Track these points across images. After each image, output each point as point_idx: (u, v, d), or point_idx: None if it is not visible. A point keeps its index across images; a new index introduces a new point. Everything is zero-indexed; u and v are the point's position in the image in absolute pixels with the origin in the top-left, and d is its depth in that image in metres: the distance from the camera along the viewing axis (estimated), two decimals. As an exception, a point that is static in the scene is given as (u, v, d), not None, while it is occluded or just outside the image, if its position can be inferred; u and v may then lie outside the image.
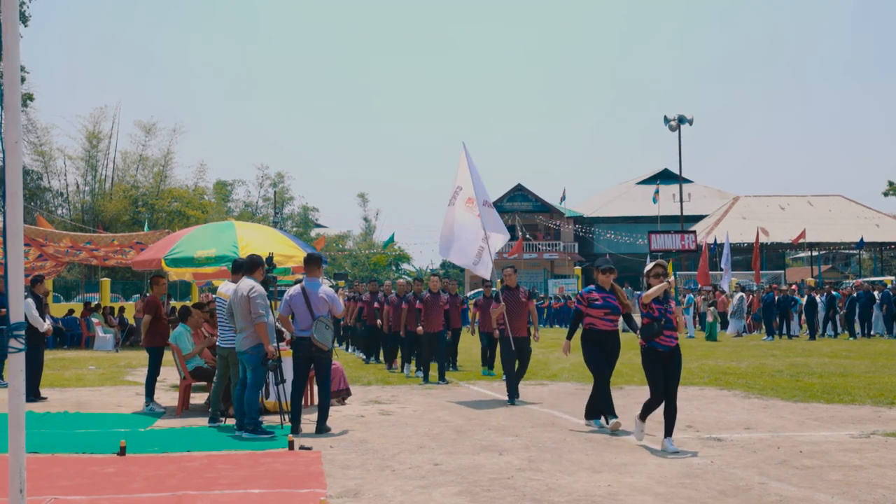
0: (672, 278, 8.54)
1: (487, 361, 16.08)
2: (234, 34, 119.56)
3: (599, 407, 9.50)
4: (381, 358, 18.37)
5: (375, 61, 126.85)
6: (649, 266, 8.51)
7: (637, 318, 8.98)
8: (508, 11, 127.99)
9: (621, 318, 9.98)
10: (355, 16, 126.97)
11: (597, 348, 9.43)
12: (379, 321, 17.45)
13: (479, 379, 15.20)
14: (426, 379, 14.42)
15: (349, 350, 22.49)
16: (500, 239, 12.65)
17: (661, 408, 8.25)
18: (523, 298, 11.96)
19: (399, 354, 16.80)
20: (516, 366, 11.80)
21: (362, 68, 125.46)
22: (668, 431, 8.05)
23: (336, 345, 11.76)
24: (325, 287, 9.49)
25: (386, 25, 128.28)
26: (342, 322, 20.73)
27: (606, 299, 9.44)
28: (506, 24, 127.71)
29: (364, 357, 19.56)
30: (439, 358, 14.68)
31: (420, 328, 14.56)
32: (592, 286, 9.65)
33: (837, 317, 28.72)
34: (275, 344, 9.34)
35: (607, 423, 9.24)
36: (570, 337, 9.78)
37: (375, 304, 17.87)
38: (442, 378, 14.40)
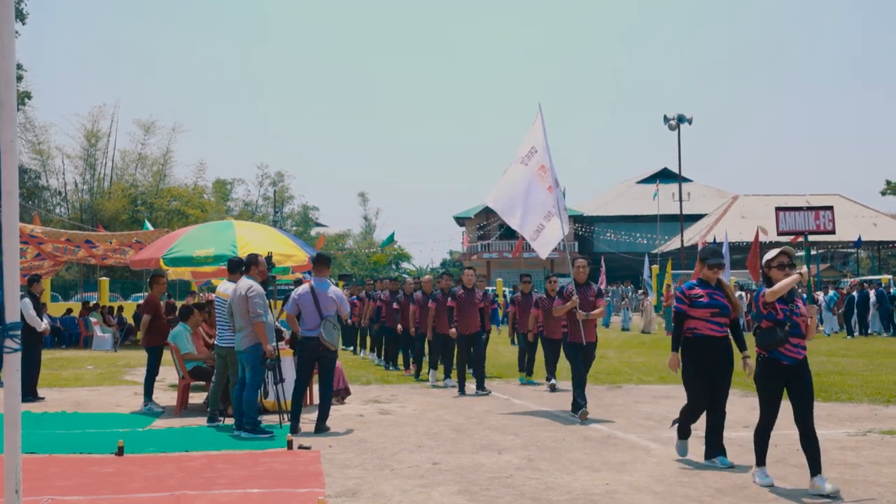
0: (804, 269, 6.79)
1: (525, 367, 14.31)
2: (235, 33, 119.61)
3: (708, 441, 7.56)
4: (400, 363, 16.61)
5: (376, 60, 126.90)
6: (771, 254, 6.85)
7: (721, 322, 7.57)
8: (509, 11, 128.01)
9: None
10: (357, 15, 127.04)
11: (701, 361, 7.39)
12: (399, 325, 15.90)
13: (540, 394, 12.98)
14: (462, 389, 12.70)
15: (359, 353, 20.79)
16: (556, 230, 10.92)
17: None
18: (593, 297, 10.37)
19: (421, 359, 15.44)
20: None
21: (363, 67, 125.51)
22: (817, 467, 6.32)
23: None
24: (333, 287, 9.53)
25: (387, 24, 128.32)
26: (351, 322, 19.74)
27: (713, 296, 7.51)
28: (507, 24, 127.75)
29: (383, 363, 17.58)
30: (478, 364, 12.98)
31: (453, 330, 12.83)
32: (695, 281, 7.77)
33: (836, 316, 28.78)
34: (273, 343, 9.34)
35: (715, 459, 7.38)
36: (676, 348, 7.56)
37: (395, 305, 16.21)
38: (482, 387, 12.79)
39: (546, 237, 10.94)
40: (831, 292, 29.67)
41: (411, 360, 15.83)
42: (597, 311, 10.43)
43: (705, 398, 7.44)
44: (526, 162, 11.14)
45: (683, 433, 7.73)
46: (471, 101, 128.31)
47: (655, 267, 37.33)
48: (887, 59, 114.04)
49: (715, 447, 7.40)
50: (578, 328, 10.10)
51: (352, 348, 21.82)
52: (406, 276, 21.44)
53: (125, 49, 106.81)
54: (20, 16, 38.48)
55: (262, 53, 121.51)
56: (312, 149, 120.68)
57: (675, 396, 11.92)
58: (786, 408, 6.60)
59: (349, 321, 19.80)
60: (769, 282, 6.74)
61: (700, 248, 39.18)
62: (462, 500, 6.18)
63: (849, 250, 60.84)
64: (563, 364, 14.14)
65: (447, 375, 14.01)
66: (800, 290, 7.61)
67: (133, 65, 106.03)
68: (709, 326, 7.40)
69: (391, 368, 16.79)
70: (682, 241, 48.89)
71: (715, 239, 43.62)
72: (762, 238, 35.77)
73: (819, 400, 11.21)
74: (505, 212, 11.29)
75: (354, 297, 20.28)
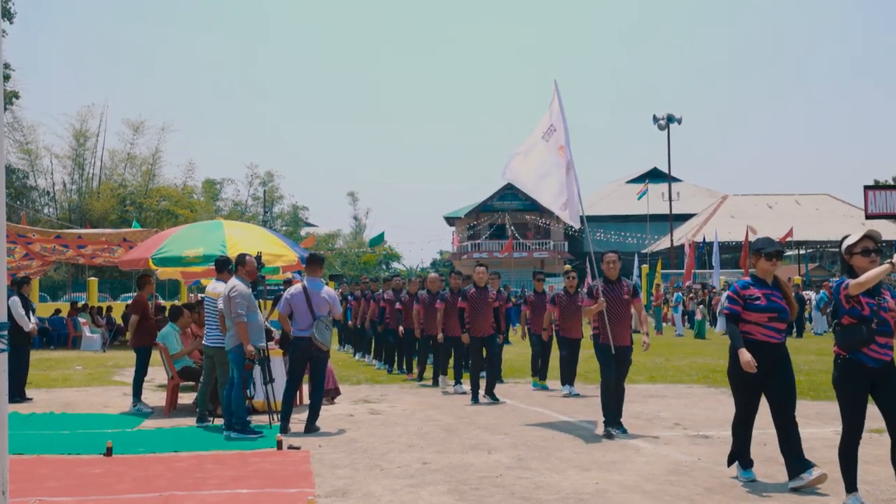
0: None
1: (538, 371, 13.28)
2: (225, 32, 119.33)
3: (740, 456, 6.86)
4: (405, 367, 15.46)
5: (368, 60, 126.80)
6: (853, 239, 6.06)
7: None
8: (503, 11, 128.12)
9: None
10: (350, 14, 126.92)
11: (754, 371, 6.44)
12: (401, 326, 15.04)
13: (529, 392, 12.66)
14: (475, 397, 11.61)
15: (355, 355, 19.46)
16: (575, 206, 9.96)
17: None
18: (627, 296, 9.11)
19: (425, 362, 14.68)
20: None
21: (354, 66, 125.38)
22: None
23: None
24: (326, 287, 9.54)
25: (380, 24, 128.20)
26: (353, 324, 18.88)
27: (771, 298, 6.57)
28: (500, 24, 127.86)
29: (386, 366, 16.40)
30: (492, 369, 11.93)
31: (465, 335, 11.82)
32: (749, 279, 6.80)
33: (825, 315, 28.91)
34: (262, 343, 9.33)
35: (804, 474, 6.39)
36: (741, 345, 6.57)
37: (398, 305, 15.25)
38: (491, 392, 11.74)
39: (574, 208, 9.92)
40: (822, 292, 29.75)
41: (415, 363, 14.99)
42: (640, 314, 9.73)
43: (754, 410, 6.73)
44: (546, 138, 10.41)
45: (744, 462, 6.79)
46: (462, 101, 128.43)
47: (645, 266, 37.45)
48: (879, 59, 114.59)
49: (798, 464, 6.43)
50: (607, 329, 8.92)
51: (349, 350, 20.84)
52: (398, 276, 20.30)
53: (115, 49, 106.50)
54: (7, 15, 38.30)
55: (253, 53, 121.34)
56: (303, 149, 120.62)
57: (665, 396, 11.96)
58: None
59: (349, 323, 19.23)
60: (851, 271, 5.90)
61: (686, 246, 39.44)
62: (451, 499, 6.18)
63: (837, 250, 61.07)
64: (585, 367, 14.04)
65: (458, 381, 13.05)
66: (887, 282, 6.63)
67: (122, 64, 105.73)
68: (764, 332, 6.53)
69: (395, 372, 15.76)
70: (671, 240, 49.03)
71: (705, 238, 43.76)
72: (751, 237, 35.91)
73: (808, 399, 11.26)
74: (527, 185, 10.49)
75: (350, 296, 19.63)
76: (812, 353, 18.88)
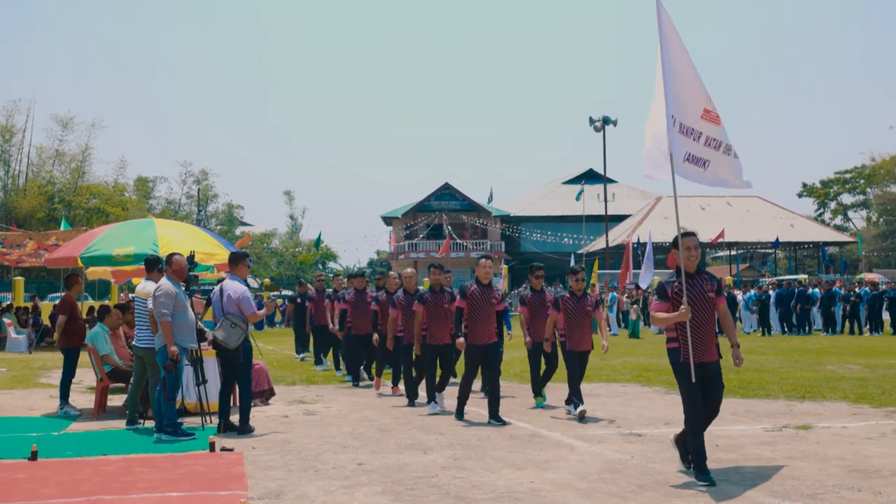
0: None
1: (538, 383, 11.06)
2: (156, 26, 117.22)
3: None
4: (373, 373, 13.66)
5: (303, 56, 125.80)
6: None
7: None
8: (435, 12, 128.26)
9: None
10: (283, 9, 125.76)
11: None
12: (375, 333, 12.71)
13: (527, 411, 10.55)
14: (460, 413, 10.00)
15: (320, 367, 17.07)
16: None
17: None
18: (711, 293, 6.85)
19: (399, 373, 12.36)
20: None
21: (289, 64, 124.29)
22: None
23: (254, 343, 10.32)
24: (237, 284, 9.41)
25: (314, 21, 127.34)
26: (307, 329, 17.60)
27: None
28: (435, 25, 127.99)
29: (351, 378, 14.20)
30: (493, 384, 9.87)
31: (461, 340, 9.83)
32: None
33: (754, 314, 29.58)
34: (193, 344, 9.22)
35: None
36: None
37: (374, 307, 12.84)
38: (496, 415, 9.67)
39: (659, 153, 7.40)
40: (751, 291, 30.44)
41: (380, 370, 13.20)
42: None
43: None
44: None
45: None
46: (398, 100, 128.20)
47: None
48: (804, 62, 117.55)
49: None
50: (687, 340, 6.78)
51: (306, 357, 19.01)
52: (338, 276, 19.25)
53: (43, 43, 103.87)
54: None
55: (186, 47, 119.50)
56: (238, 147, 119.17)
57: (599, 395, 12.09)
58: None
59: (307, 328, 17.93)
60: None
61: (635, 246, 39.98)
62: (386, 500, 6.15)
63: (767, 251, 62.61)
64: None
65: (439, 390, 10.88)
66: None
67: (51, 59, 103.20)
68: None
69: (356, 385, 13.94)
70: (606, 241, 49.60)
71: (639, 239, 44.35)
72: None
73: (737, 396, 11.49)
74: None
75: (300, 297, 18.92)
76: (741, 352, 19.25)
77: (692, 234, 6.96)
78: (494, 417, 9.62)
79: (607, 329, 10.25)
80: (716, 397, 6.77)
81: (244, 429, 9.12)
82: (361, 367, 14.27)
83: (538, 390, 11.04)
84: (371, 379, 13.83)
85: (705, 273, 6.98)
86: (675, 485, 6.50)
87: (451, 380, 12.20)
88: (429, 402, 10.70)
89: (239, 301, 9.26)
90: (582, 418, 9.71)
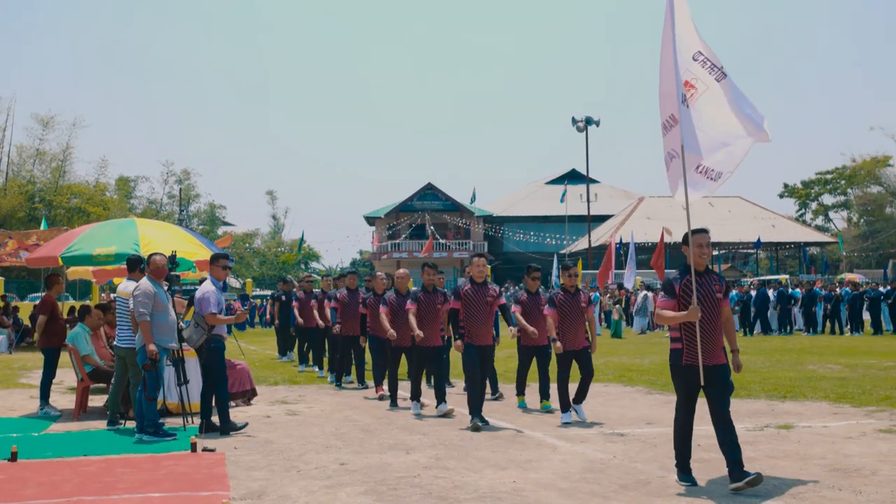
0: None
1: (540, 389, 10.84)
2: (137, 24, 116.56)
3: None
4: (353, 377, 13.75)
5: (283, 56, 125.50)
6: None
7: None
8: (415, 12, 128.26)
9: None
10: (257, 5, 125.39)
11: None
12: (363, 334, 12.52)
13: (517, 416, 10.16)
14: (481, 417, 9.42)
15: (303, 367, 16.85)
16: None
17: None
18: (719, 293, 6.66)
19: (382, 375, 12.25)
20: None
21: (270, 63, 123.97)
22: None
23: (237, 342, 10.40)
24: (205, 284, 9.47)
25: (289, 18, 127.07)
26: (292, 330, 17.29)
27: None
28: (418, 26, 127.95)
29: (335, 380, 14.02)
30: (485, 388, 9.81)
31: (458, 342, 9.54)
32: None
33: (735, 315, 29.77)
34: (174, 344, 9.19)
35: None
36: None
37: (362, 309, 12.50)
38: (477, 417, 9.36)
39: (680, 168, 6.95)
40: (734, 292, 30.55)
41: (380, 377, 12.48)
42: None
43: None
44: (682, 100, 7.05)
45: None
46: (380, 100, 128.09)
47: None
48: (784, 63, 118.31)
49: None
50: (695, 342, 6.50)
51: (291, 358, 18.94)
52: (316, 275, 18.96)
53: (23, 40, 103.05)
54: None
55: (167, 46, 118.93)
56: (221, 146, 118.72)
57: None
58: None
59: (292, 329, 17.43)
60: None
61: (618, 247, 40.11)
62: (369, 500, 6.14)
63: (749, 251, 62.95)
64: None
65: (439, 396, 10.51)
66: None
67: (31, 57, 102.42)
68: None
69: (339, 387, 13.72)
70: (589, 241, 49.75)
71: (621, 240, 44.50)
72: (667, 239, 36.69)
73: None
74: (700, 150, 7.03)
75: (283, 295, 18.52)
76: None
77: (704, 231, 6.71)
78: (477, 418, 9.37)
79: (595, 329, 9.98)
80: (724, 401, 6.42)
81: (225, 428, 9.09)
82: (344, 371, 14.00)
83: (521, 390, 11.02)
84: (360, 382, 13.63)
85: (714, 273, 6.77)
86: (657, 484, 6.53)
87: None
88: (412, 400, 10.58)
89: (199, 301, 9.31)
90: (566, 426, 9.43)
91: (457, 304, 9.56)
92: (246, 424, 9.36)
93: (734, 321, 5.65)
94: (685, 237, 6.68)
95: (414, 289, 10.97)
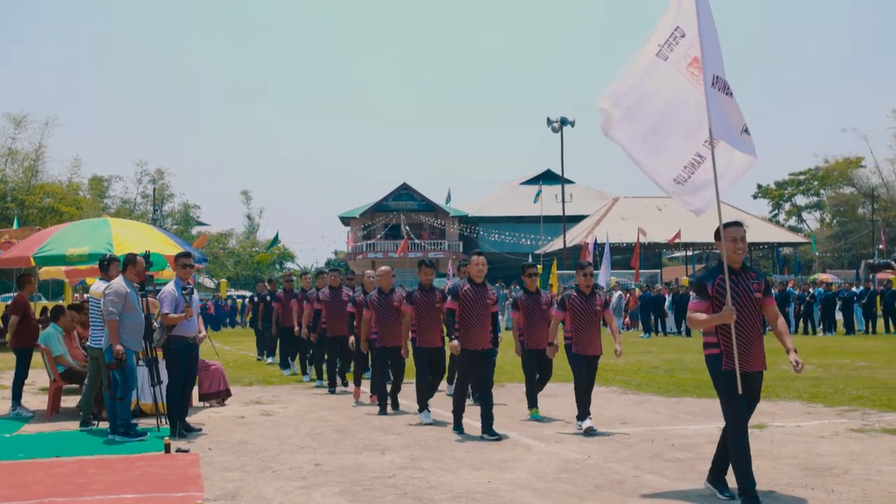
0: None
1: (534, 393, 10.11)
2: (110, 22, 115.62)
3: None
4: (348, 379, 12.98)
5: (261, 55, 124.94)
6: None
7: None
8: (392, 13, 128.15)
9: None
10: (239, 4, 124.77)
11: None
12: (351, 336, 11.65)
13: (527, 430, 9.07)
14: (459, 427, 9.07)
15: (288, 371, 16.19)
16: (742, 161, 6.82)
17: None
18: (758, 293, 6.16)
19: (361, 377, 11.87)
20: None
21: (245, 62, 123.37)
22: None
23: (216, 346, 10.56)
24: (165, 287, 9.42)
25: (271, 15, 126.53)
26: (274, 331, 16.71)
27: None
28: (393, 26, 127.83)
29: (327, 385, 13.28)
30: (485, 393, 8.92)
31: (455, 343, 8.97)
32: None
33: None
34: (140, 347, 9.16)
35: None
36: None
37: (350, 308, 11.75)
38: (490, 429, 8.71)
39: (701, 177, 6.62)
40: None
41: (358, 377, 11.96)
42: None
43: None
44: (664, 55, 6.81)
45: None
46: (355, 99, 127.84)
47: (539, 267, 37.93)
48: (759, 63, 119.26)
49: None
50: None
51: (272, 360, 18.39)
52: (305, 273, 18.19)
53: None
54: None
55: (141, 45, 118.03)
56: (194, 146, 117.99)
57: (556, 394, 12.12)
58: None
59: (273, 330, 16.80)
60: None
61: (591, 246, 40.27)
62: (344, 500, 6.13)
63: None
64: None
65: (429, 396, 10.09)
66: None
67: (2, 56, 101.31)
68: None
69: (332, 391, 13.03)
70: (564, 241, 49.87)
71: (596, 240, 44.70)
72: (642, 239, 37.05)
73: (694, 396, 11.59)
74: (631, 142, 6.94)
75: (269, 295, 17.86)
76: (697, 352, 19.45)
77: (738, 224, 6.11)
78: (488, 431, 8.67)
79: (619, 331, 9.53)
80: (750, 413, 6.06)
81: (174, 428, 8.95)
82: (337, 372, 13.39)
83: (533, 401, 10.04)
84: (345, 385, 13.16)
85: (751, 270, 6.21)
86: (632, 484, 6.57)
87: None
88: (420, 411, 9.83)
89: (159, 301, 9.30)
90: (589, 433, 8.79)
91: (454, 305, 9.02)
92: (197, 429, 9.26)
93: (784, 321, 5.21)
94: (717, 232, 6.10)
95: (409, 289, 10.44)
